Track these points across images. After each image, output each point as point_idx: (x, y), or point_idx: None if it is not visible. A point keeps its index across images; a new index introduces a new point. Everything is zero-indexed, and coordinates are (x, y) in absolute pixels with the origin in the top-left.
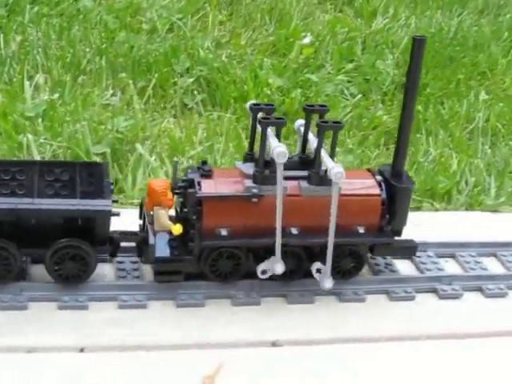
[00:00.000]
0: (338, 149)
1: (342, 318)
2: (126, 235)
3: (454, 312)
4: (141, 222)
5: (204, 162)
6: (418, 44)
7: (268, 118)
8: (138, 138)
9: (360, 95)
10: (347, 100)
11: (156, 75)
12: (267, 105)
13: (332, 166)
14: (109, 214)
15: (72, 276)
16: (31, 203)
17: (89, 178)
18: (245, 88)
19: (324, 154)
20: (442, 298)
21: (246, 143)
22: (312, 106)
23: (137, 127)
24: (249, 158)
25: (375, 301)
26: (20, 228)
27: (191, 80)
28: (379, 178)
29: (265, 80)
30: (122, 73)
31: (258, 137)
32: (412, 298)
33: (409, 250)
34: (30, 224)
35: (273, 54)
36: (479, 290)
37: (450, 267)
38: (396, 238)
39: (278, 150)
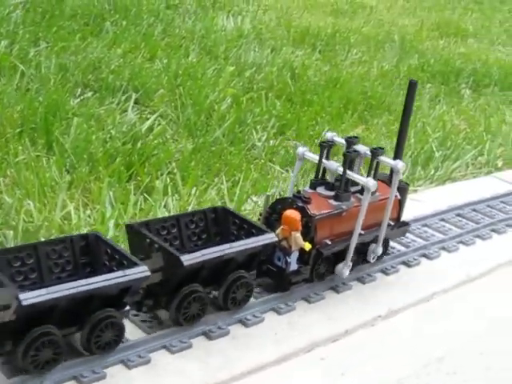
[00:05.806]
0: None
1: None
2: None
3: None
4: None
5: (299, 192)
6: (412, 86)
7: (350, 152)
8: None
9: None
10: None
11: None
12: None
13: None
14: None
15: None
16: None
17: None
18: None
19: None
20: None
21: None
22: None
23: None
24: (316, 183)
25: None
26: None
27: None
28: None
29: None
30: None
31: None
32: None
33: (405, 230)
34: None
35: None
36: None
37: None
38: None
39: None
